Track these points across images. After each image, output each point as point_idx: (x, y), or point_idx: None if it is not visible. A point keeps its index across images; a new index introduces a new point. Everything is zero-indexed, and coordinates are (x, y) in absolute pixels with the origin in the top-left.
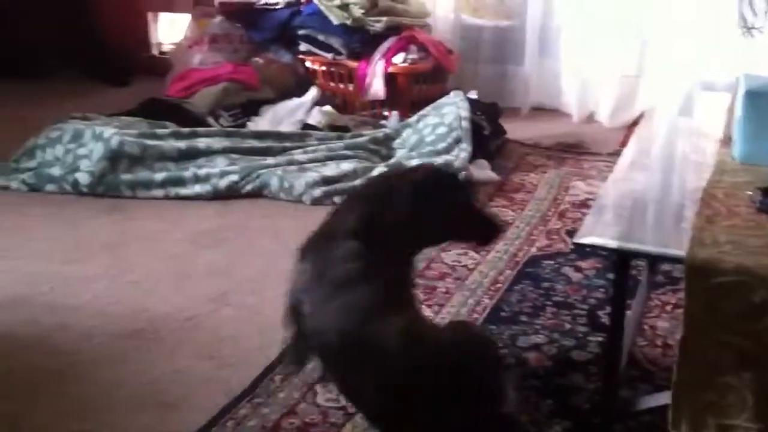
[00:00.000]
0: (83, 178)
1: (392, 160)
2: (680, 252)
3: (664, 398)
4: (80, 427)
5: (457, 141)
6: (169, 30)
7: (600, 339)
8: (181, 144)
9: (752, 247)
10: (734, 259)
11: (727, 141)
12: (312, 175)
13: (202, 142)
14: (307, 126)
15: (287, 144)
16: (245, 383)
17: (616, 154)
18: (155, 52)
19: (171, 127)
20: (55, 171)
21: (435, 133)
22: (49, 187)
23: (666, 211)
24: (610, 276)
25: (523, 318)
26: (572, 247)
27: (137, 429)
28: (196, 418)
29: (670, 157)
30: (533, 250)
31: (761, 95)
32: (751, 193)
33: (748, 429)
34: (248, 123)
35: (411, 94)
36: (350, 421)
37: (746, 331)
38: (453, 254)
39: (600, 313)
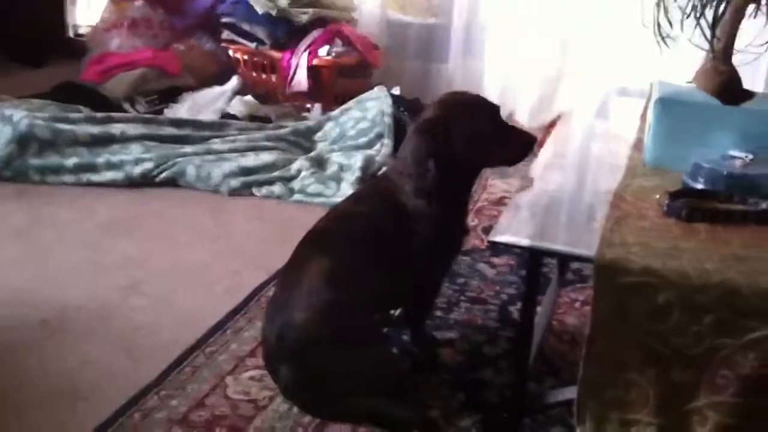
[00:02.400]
0: None
1: (313, 153)
2: (590, 252)
3: (570, 393)
4: None
5: (379, 136)
6: (87, 11)
7: (510, 334)
8: (95, 129)
9: (659, 249)
10: (641, 261)
11: (639, 145)
12: (230, 165)
13: (116, 128)
14: (227, 115)
15: (206, 133)
16: (155, 375)
17: (534, 154)
18: (71, 33)
19: (85, 112)
20: None
21: (357, 127)
22: None
23: (578, 212)
24: (523, 273)
25: (438, 313)
26: (488, 244)
27: (46, 421)
28: (104, 410)
29: (585, 159)
30: None
31: (672, 103)
32: (659, 196)
33: (649, 423)
34: (166, 110)
35: (335, 87)
36: (260, 413)
37: (651, 331)
38: None
39: (511, 308)
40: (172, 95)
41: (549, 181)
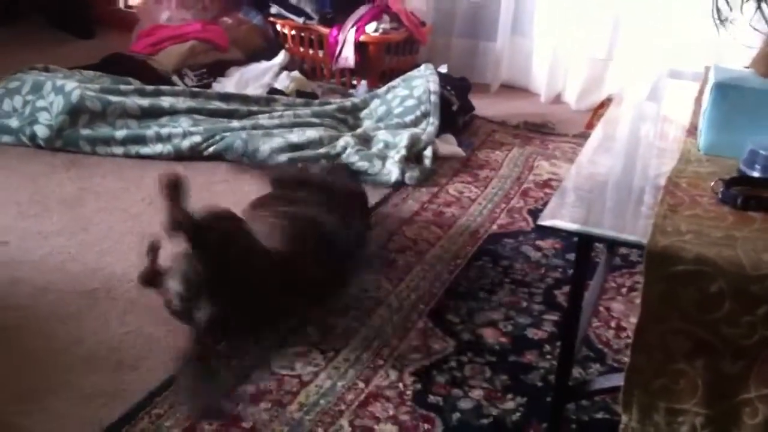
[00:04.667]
0: (41, 131)
1: (359, 130)
2: (641, 238)
3: (616, 380)
4: (34, 385)
5: (425, 114)
6: None
7: (555, 318)
8: (144, 102)
9: (713, 238)
10: (694, 249)
11: (693, 130)
12: (277, 141)
13: (165, 101)
14: (274, 90)
15: (253, 108)
16: None
17: (581, 136)
18: (121, 5)
19: (135, 84)
20: (13, 122)
21: (403, 105)
22: (5, 138)
23: (629, 197)
24: (569, 256)
25: (481, 294)
26: (534, 227)
27: (91, 388)
28: (149, 379)
29: (635, 142)
30: (494, 227)
31: (729, 88)
32: (713, 184)
33: (697, 413)
34: (214, 84)
35: (381, 64)
36: (304, 389)
37: (702, 320)
38: (415, 227)
39: (556, 292)
40: (219, 69)
41: (598, 164)
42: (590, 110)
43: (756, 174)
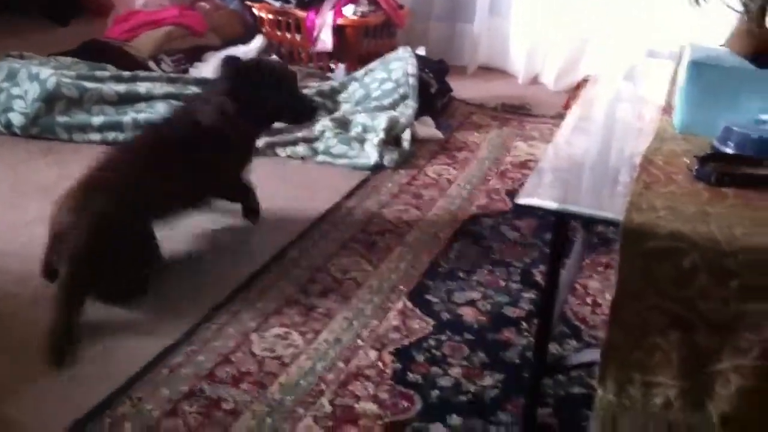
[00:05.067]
0: (16, 119)
1: (337, 114)
2: (616, 215)
3: (592, 355)
4: (23, 370)
5: (404, 97)
6: None
7: (532, 296)
8: (121, 88)
9: (687, 214)
10: (669, 225)
11: (668, 109)
12: None
13: (142, 87)
14: None
15: None
16: (180, 332)
17: (559, 116)
18: None
19: (111, 70)
20: None
21: (381, 88)
22: None
23: (605, 176)
24: (546, 236)
25: (461, 274)
26: (512, 207)
27: (74, 373)
28: (130, 366)
29: (612, 122)
30: (473, 208)
31: (704, 66)
32: (688, 161)
33: (672, 386)
34: (191, 69)
35: (359, 47)
36: (285, 370)
37: (677, 296)
38: (394, 210)
39: (534, 271)
40: (197, 54)
41: (575, 144)
42: (568, 91)
43: (730, 151)
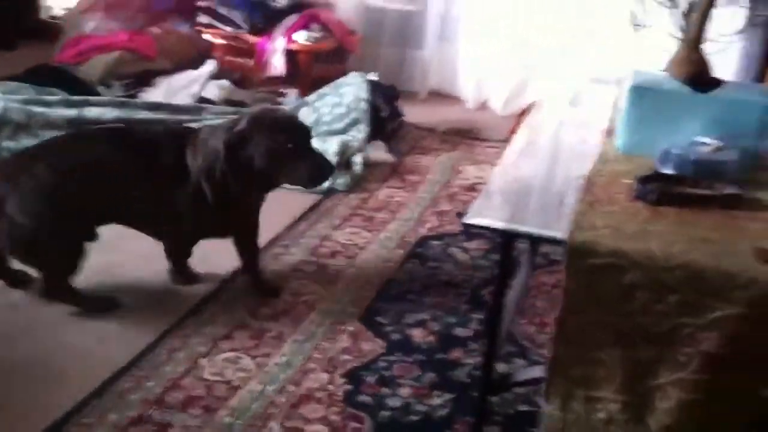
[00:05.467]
0: None
1: None
2: (560, 234)
3: (537, 371)
4: None
5: (355, 121)
6: None
7: (481, 316)
8: (70, 112)
9: (628, 232)
10: (610, 243)
11: (611, 132)
12: None
13: (92, 112)
14: (202, 100)
15: (182, 117)
16: (130, 356)
17: (507, 140)
18: (43, 15)
19: (60, 95)
20: None
21: (333, 113)
22: None
23: (550, 197)
24: (495, 257)
25: (411, 296)
26: (462, 229)
27: (20, 403)
28: (78, 391)
29: (557, 146)
30: (424, 230)
31: (644, 90)
32: (629, 181)
33: (614, 400)
34: (141, 94)
35: (311, 72)
36: (235, 394)
37: (619, 311)
38: (346, 233)
39: (483, 292)
40: (147, 79)
41: (521, 166)
42: (515, 116)
43: (669, 171)
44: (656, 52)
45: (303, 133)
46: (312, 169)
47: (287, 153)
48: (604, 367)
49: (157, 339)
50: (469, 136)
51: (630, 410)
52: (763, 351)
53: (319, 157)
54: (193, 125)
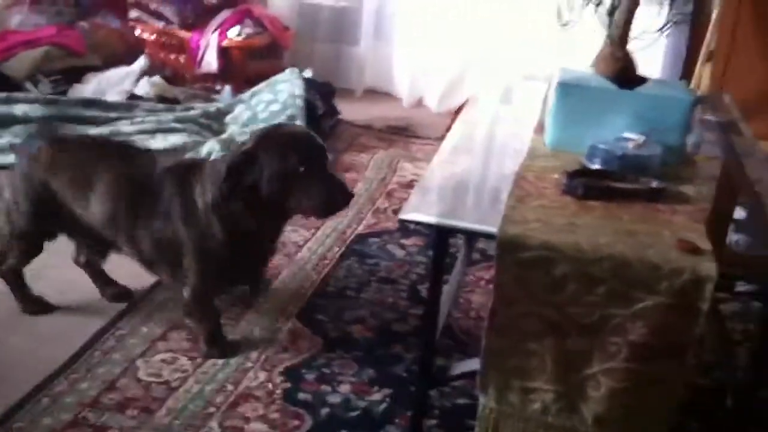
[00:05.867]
0: None
1: (224, 135)
2: (493, 228)
3: (473, 364)
4: None
5: (291, 118)
6: None
7: (419, 312)
8: None
9: (557, 225)
10: (540, 236)
11: (541, 128)
12: None
13: (19, 109)
14: (134, 96)
15: (113, 114)
16: (64, 358)
17: (443, 138)
18: None
19: None
20: None
21: (268, 110)
22: None
23: (483, 192)
24: (431, 253)
25: (349, 293)
26: (399, 225)
27: None
28: (10, 395)
29: (491, 142)
30: (361, 228)
31: (571, 87)
32: (558, 176)
33: (548, 390)
34: (70, 90)
35: (245, 69)
36: (173, 394)
37: (549, 302)
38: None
39: (420, 287)
40: (76, 75)
41: (454, 163)
42: (451, 113)
43: (596, 166)
44: (587, 49)
45: (318, 153)
46: (327, 196)
47: (299, 176)
48: (536, 358)
49: (91, 340)
50: (405, 134)
51: (564, 400)
52: (688, 339)
53: (336, 182)
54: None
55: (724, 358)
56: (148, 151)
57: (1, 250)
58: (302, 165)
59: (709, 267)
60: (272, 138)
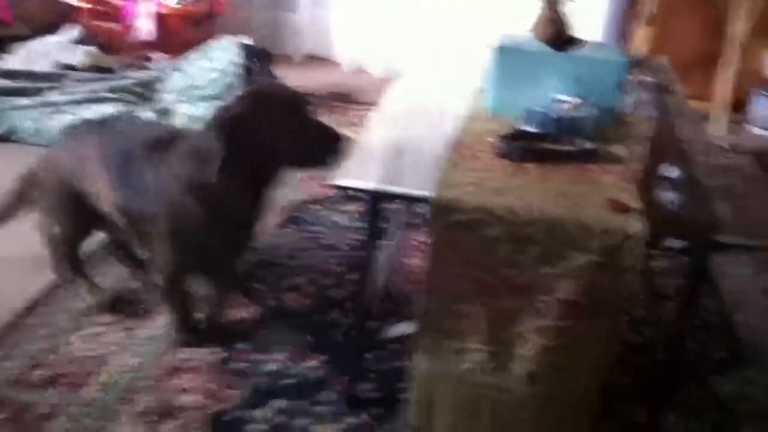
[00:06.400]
0: None
1: (159, 105)
2: (427, 193)
3: (407, 327)
4: None
5: (229, 87)
6: None
7: (357, 278)
8: None
9: (490, 188)
10: (474, 199)
11: (481, 93)
12: (70, 118)
13: None
14: (65, 66)
15: (43, 84)
16: None
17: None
18: None
19: None
20: None
21: (206, 77)
22: None
23: (419, 157)
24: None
25: (287, 260)
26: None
27: None
28: None
29: (428, 107)
30: (301, 195)
31: (509, 51)
32: (492, 140)
33: (479, 350)
34: None
35: (182, 36)
36: (103, 368)
37: (483, 264)
38: None
39: (359, 253)
40: (3, 45)
41: (392, 128)
42: (392, 79)
43: (533, 129)
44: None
45: (302, 103)
46: (324, 143)
47: (293, 130)
48: (469, 319)
49: (18, 317)
50: (345, 100)
51: (496, 359)
52: (617, 297)
53: (326, 128)
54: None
55: (654, 313)
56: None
57: None
58: (293, 118)
59: (638, 226)
60: (257, 98)
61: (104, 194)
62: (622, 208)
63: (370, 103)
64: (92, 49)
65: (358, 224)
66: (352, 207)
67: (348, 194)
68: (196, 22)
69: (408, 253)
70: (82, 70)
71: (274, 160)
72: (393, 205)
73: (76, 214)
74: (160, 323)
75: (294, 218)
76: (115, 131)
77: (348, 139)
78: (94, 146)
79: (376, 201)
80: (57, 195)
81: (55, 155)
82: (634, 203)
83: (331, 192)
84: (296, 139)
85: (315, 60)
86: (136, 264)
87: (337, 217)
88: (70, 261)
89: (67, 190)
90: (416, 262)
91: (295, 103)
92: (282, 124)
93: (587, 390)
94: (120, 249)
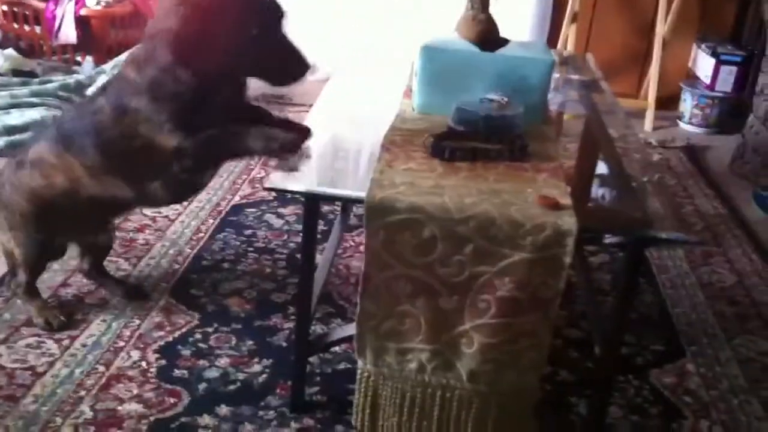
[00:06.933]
0: None
1: None
2: (361, 194)
3: (351, 329)
4: None
5: None
6: None
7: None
8: None
9: (424, 188)
10: (408, 199)
11: (409, 92)
12: None
13: None
14: None
15: None
16: None
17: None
18: None
19: None
20: None
21: None
22: None
23: (352, 158)
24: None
25: (226, 265)
26: (274, 196)
27: None
28: None
29: (361, 108)
30: (236, 198)
31: (434, 50)
32: (425, 139)
33: (422, 350)
34: None
35: (107, 39)
36: (39, 380)
37: (419, 263)
38: None
39: (299, 256)
40: None
41: (325, 130)
42: (326, 80)
43: (461, 128)
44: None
45: (272, 14)
46: (284, 62)
47: (251, 41)
48: (410, 319)
49: None
50: (280, 101)
51: (439, 358)
52: (553, 292)
53: (292, 49)
54: None
55: (592, 308)
56: None
57: None
58: (254, 28)
59: (569, 221)
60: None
61: (85, 170)
62: (553, 205)
63: (307, 105)
64: (12, 52)
65: (297, 227)
66: (290, 209)
67: (286, 197)
68: (122, 25)
69: (347, 254)
70: (2, 74)
71: (229, 70)
72: (331, 207)
73: (45, 232)
74: (95, 331)
75: (230, 222)
76: (61, 121)
77: (309, 67)
78: (48, 145)
79: (311, 203)
80: (20, 213)
81: (13, 173)
82: (565, 199)
83: (268, 194)
84: (254, 49)
85: None
86: (114, 282)
87: (274, 220)
88: (32, 280)
89: (32, 205)
90: (355, 263)
91: (257, 9)
92: (238, 30)
93: (529, 386)
94: (94, 271)
